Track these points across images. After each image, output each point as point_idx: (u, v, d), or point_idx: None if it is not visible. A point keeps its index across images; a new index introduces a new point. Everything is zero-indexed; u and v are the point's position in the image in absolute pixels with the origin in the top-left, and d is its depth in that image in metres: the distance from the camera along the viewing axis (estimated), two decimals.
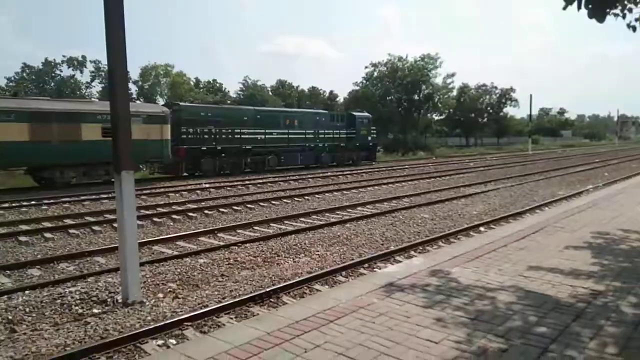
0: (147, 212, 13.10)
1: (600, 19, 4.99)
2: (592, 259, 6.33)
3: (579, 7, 4.87)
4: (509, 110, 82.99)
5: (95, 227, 11.17)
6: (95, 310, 5.99)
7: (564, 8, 4.93)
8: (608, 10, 5.05)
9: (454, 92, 64.65)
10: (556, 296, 4.87)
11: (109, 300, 6.30)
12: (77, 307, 6.08)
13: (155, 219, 12.14)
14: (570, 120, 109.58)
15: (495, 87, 71.77)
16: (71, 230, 10.82)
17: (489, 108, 72.55)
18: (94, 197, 16.12)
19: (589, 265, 6.03)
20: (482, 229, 10.67)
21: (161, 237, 10.12)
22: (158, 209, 13.92)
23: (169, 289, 6.78)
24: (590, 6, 4.90)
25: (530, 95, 56.10)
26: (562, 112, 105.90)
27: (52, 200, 15.35)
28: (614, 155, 45.33)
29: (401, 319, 4.28)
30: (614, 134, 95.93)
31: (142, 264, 7.55)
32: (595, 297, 4.83)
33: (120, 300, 6.18)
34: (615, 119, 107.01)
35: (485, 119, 73.00)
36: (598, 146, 73.72)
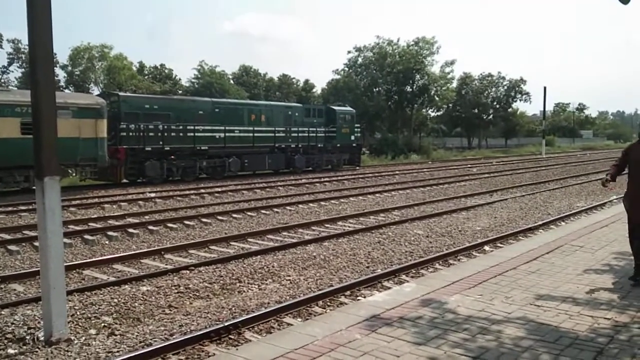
0: (77, 228, 12.90)
1: None
2: (615, 284, 6.48)
3: None
4: (519, 105, 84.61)
5: (11, 247, 10.94)
6: (10, 351, 5.85)
7: None
8: None
9: (454, 83, 65.55)
10: (574, 330, 4.96)
11: (27, 338, 6.16)
12: None
13: (86, 237, 11.95)
14: (591, 118, 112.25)
15: (503, 78, 73.00)
16: None
17: (495, 103, 73.72)
18: (10, 209, 15.78)
19: (611, 292, 6.17)
20: (486, 248, 10.83)
21: (94, 258, 9.97)
22: (90, 223, 13.72)
23: (103, 324, 6.67)
24: None
25: (545, 88, 56.98)
26: (581, 108, 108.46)
27: None
28: None
29: (389, 359, 4.31)
30: None
31: (69, 293, 7.41)
32: (618, 331, 4.94)
33: (42, 338, 6.05)
34: None
35: (491, 116, 74.17)
36: (623, 148, 75.32)
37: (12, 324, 6.57)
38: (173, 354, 5.65)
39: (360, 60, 58.38)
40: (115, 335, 6.33)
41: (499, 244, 11.08)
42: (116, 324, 6.72)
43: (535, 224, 13.31)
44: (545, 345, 4.59)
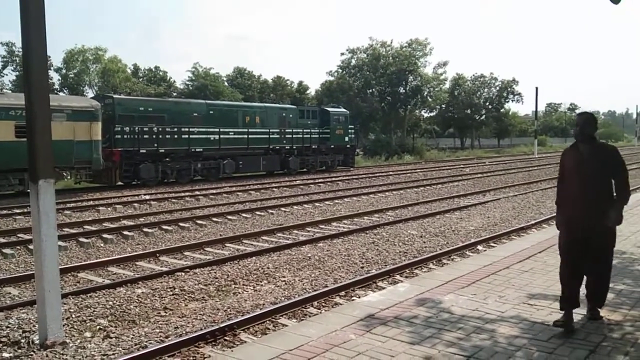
0: (72, 231, 12.85)
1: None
2: None
3: None
4: (511, 106, 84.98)
5: (6, 250, 10.88)
6: (5, 355, 5.82)
7: None
8: None
9: (447, 84, 65.72)
10: None
11: (22, 341, 6.14)
12: None
13: (81, 239, 11.91)
14: None
15: (495, 79, 73.24)
16: None
17: (487, 103, 73.99)
18: (4, 212, 15.69)
19: None
20: (480, 247, 10.85)
21: (89, 261, 9.93)
22: (85, 226, 13.66)
23: (98, 327, 6.65)
24: None
25: (536, 88, 57.00)
26: (573, 108, 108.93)
27: None
28: (634, 158, 46.77)
29: (384, 359, 4.31)
30: (634, 134, 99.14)
31: (64, 296, 7.39)
32: (612, 329, 4.96)
33: (37, 341, 6.03)
34: (635, 115, 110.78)
35: (484, 116, 74.42)
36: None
37: (7, 327, 6.53)
38: (169, 356, 5.63)
39: (353, 61, 58.50)
40: (111, 337, 6.30)
41: (492, 244, 11.11)
42: (111, 326, 6.69)
43: (528, 224, 13.36)
44: (539, 343, 4.60)
